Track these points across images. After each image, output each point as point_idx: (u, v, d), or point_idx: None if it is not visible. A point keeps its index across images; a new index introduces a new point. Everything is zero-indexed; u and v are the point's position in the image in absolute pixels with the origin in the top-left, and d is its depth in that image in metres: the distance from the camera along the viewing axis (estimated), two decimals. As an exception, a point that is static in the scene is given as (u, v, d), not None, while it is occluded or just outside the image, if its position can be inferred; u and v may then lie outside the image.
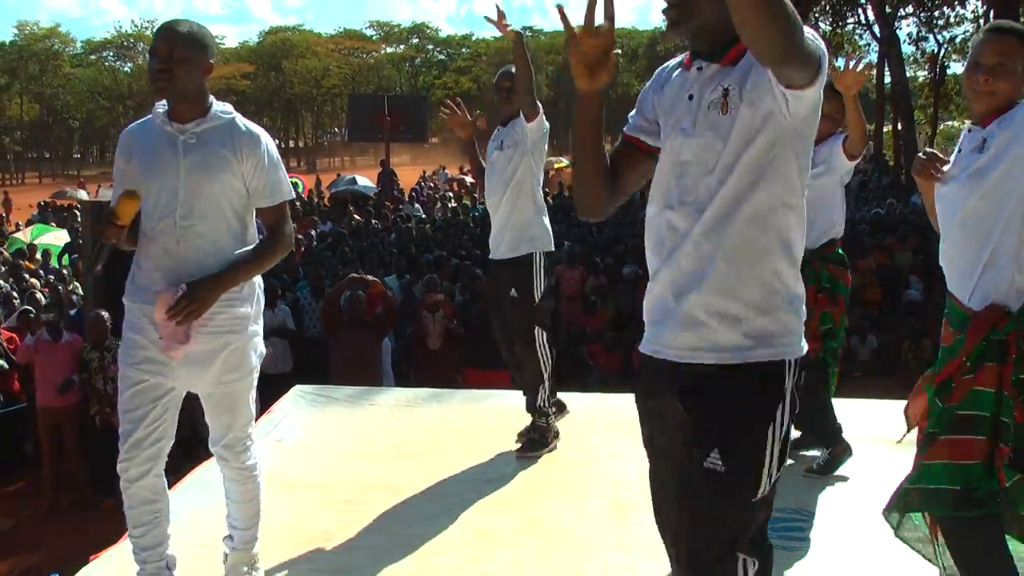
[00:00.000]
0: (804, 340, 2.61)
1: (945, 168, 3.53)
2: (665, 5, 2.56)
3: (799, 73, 2.32)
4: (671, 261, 2.60)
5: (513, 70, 5.73)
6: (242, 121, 3.80)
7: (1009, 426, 3.21)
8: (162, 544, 3.90)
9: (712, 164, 2.53)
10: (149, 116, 3.82)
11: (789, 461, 5.42)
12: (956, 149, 3.53)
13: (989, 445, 3.24)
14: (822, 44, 2.38)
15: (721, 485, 2.50)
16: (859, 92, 5.08)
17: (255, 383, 4.00)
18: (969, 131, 3.48)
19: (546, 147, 5.87)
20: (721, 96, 2.51)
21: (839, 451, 5.29)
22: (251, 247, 3.82)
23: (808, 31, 2.30)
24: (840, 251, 5.36)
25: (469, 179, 30.98)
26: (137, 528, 3.83)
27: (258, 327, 3.95)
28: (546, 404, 5.85)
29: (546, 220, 5.84)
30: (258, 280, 3.94)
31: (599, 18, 2.46)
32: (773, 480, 2.55)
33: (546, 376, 5.80)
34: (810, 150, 2.57)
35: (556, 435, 5.92)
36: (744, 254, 2.52)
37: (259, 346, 3.97)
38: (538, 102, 5.65)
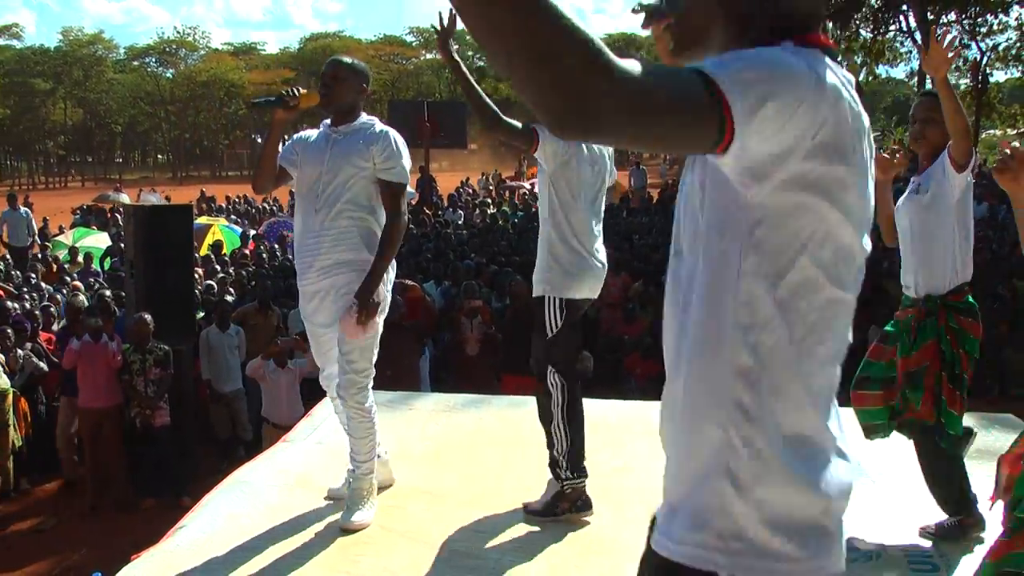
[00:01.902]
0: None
1: None
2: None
3: (656, 140, 1.48)
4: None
5: None
6: (380, 125, 5.01)
7: None
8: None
9: (681, 238, 1.80)
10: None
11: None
12: None
13: None
14: (733, 70, 1.46)
15: None
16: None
17: (377, 335, 5.00)
18: None
19: (578, 164, 4.92)
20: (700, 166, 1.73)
21: (969, 523, 4.64)
22: (379, 243, 4.89)
23: (751, 59, 1.51)
24: (971, 299, 4.68)
25: (528, 184, 30.83)
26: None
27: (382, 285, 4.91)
28: (563, 458, 4.97)
29: (574, 263, 4.94)
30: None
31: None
32: None
33: (560, 425, 4.97)
34: (788, 257, 1.60)
35: (575, 504, 5.01)
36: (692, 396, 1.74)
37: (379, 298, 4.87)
38: (532, 126, 4.91)
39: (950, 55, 4.40)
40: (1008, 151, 3.38)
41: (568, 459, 4.94)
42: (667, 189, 26.67)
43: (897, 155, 4.93)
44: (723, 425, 1.66)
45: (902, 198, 4.86)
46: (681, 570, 1.71)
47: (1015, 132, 43.69)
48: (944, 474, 4.72)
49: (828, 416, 1.73)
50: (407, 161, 4.98)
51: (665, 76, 1.43)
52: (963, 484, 4.71)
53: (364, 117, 5.03)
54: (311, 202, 4.92)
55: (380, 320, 4.97)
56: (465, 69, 4.91)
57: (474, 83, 4.84)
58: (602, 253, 5.10)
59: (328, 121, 5.05)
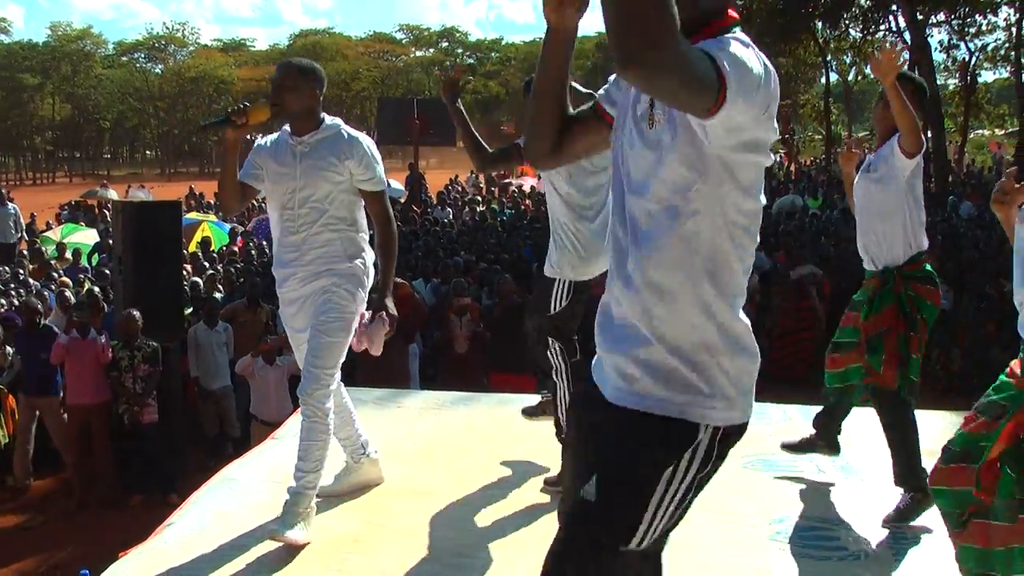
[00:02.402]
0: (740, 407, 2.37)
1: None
2: None
3: (671, 90, 2.00)
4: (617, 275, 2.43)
5: None
6: (346, 130, 4.85)
7: None
8: (352, 436, 5.27)
9: (641, 184, 2.33)
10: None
11: (808, 474, 5.44)
12: None
13: None
14: (734, 66, 2.07)
15: (593, 521, 2.34)
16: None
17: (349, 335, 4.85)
18: None
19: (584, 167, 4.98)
20: (647, 108, 2.31)
21: (920, 498, 4.76)
22: (379, 255, 4.90)
23: (729, 50, 2.08)
24: (928, 267, 5.06)
25: (531, 182, 30.82)
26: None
27: (360, 291, 4.87)
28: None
29: (580, 249, 5.08)
30: (367, 257, 4.94)
31: None
32: (652, 537, 2.37)
33: (563, 387, 5.26)
34: (751, 181, 2.29)
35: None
36: (669, 284, 2.32)
37: (357, 303, 4.85)
38: (515, 143, 5.13)
39: (898, 63, 4.76)
40: (999, 187, 3.72)
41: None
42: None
43: (855, 148, 5.58)
44: (700, 311, 2.31)
45: (858, 176, 5.25)
46: (651, 418, 2.32)
47: (1003, 132, 43.88)
48: (902, 439, 4.94)
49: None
50: (381, 164, 4.90)
51: (694, 52, 2.01)
52: (918, 457, 4.90)
53: (327, 120, 4.90)
54: (290, 220, 4.85)
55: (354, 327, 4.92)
56: (466, 116, 5.21)
57: (473, 130, 5.15)
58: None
59: (288, 128, 4.95)
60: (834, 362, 5.26)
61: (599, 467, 2.34)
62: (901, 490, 4.92)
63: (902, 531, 4.76)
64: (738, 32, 2.26)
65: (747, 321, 2.41)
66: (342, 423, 5.14)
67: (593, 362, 2.56)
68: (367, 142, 4.83)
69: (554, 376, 5.32)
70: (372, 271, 4.95)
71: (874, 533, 4.73)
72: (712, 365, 2.33)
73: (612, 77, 2.58)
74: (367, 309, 4.88)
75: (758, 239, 2.41)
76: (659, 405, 2.32)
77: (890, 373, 4.90)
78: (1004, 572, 3.17)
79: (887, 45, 4.89)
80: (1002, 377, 3.43)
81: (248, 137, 4.99)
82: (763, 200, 2.35)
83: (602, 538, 2.34)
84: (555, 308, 5.17)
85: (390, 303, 4.79)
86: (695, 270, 2.30)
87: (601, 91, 2.65)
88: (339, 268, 4.82)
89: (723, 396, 2.34)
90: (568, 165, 4.88)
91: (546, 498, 5.22)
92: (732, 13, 2.31)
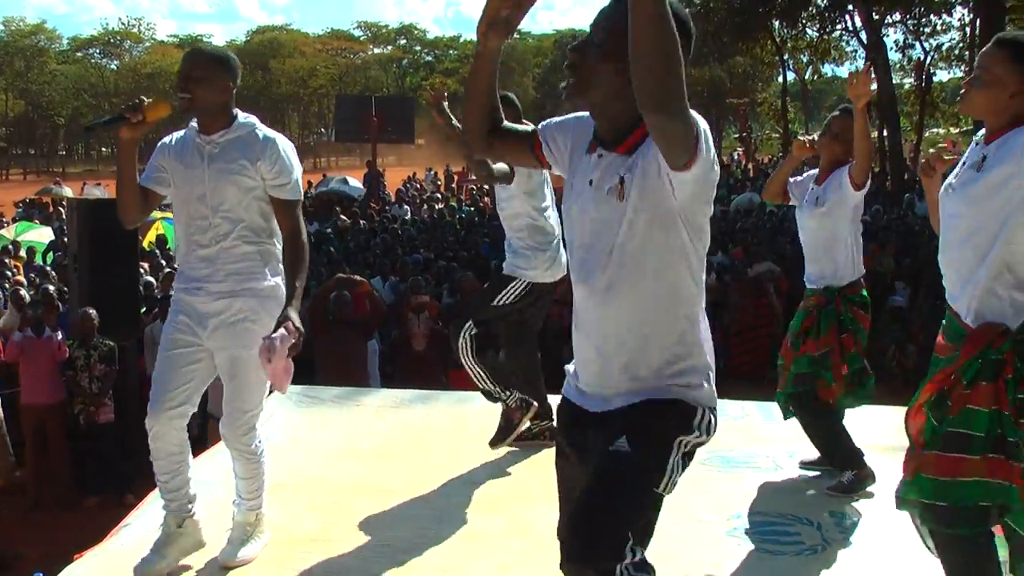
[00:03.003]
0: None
1: (950, 173, 3.55)
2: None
3: (674, 136, 2.45)
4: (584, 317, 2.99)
5: None
6: (261, 129, 4.32)
7: (1019, 445, 3.18)
8: (184, 487, 4.45)
9: (608, 246, 2.74)
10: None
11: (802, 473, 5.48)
12: (961, 161, 3.53)
13: (983, 465, 3.21)
14: (705, 125, 2.55)
15: (627, 464, 2.70)
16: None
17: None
18: (975, 144, 3.45)
19: (532, 173, 5.35)
20: (618, 184, 2.69)
21: (863, 475, 5.17)
22: (287, 268, 4.24)
23: (693, 114, 2.45)
24: (864, 293, 5.36)
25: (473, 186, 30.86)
26: (163, 475, 4.39)
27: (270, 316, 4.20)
28: (490, 385, 5.63)
29: (542, 251, 5.53)
30: (279, 279, 4.33)
31: None
32: (673, 485, 2.75)
33: (474, 366, 5.57)
34: (702, 234, 2.76)
35: (522, 409, 5.67)
36: (649, 312, 2.78)
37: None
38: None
39: (872, 88, 5.00)
40: (924, 159, 3.98)
41: (494, 383, 5.62)
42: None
43: (811, 140, 5.60)
44: (680, 328, 2.79)
45: (803, 207, 5.46)
46: (650, 403, 2.76)
47: (957, 131, 44.37)
48: (833, 435, 5.29)
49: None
50: (299, 169, 4.35)
51: (692, 115, 2.46)
52: (849, 441, 5.26)
53: (241, 118, 4.33)
54: (199, 232, 4.24)
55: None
56: (451, 117, 5.60)
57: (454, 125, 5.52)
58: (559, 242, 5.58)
59: (195, 125, 4.37)
60: (781, 383, 5.50)
61: (627, 430, 2.73)
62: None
63: (857, 524, 4.81)
64: None
65: (706, 321, 2.90)
66: (176, 470, 4.43)
67: (571, 388, 3.03)
68: (284, 144, 4.30)
69: (459, 354, 5.55)
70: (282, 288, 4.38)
71: (831, 527, 4.77)
72: (695, 366, 2.83)
73: (555, 121, 3.00)
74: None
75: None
76: (665, 393, 2.79)
77: (839, 387, 5.22)
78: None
79: (860, 69, 5.03)
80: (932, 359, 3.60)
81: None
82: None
83: (638, 476, 2.70)
84: (499, 302, 5.48)
85: (295, 315, 4.02)
86: (664, 301, 2.77)
87: (541, 127, 3.03)
88: (260, 288, 4.29)
89: (708, 385, 2.85)
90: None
91: (506, 496, 5.23)
92: None
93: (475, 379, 5.64)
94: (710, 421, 2.83)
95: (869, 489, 5.15)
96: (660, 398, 2.78)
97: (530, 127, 3.12)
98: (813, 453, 5.49)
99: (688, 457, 2.82)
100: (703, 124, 2.53)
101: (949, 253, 3.46)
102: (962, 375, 3.28)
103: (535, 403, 5.70)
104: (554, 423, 5.44)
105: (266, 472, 4.60)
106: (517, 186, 5.37)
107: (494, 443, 5.68)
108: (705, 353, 2.85)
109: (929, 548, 3.47)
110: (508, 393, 5.63)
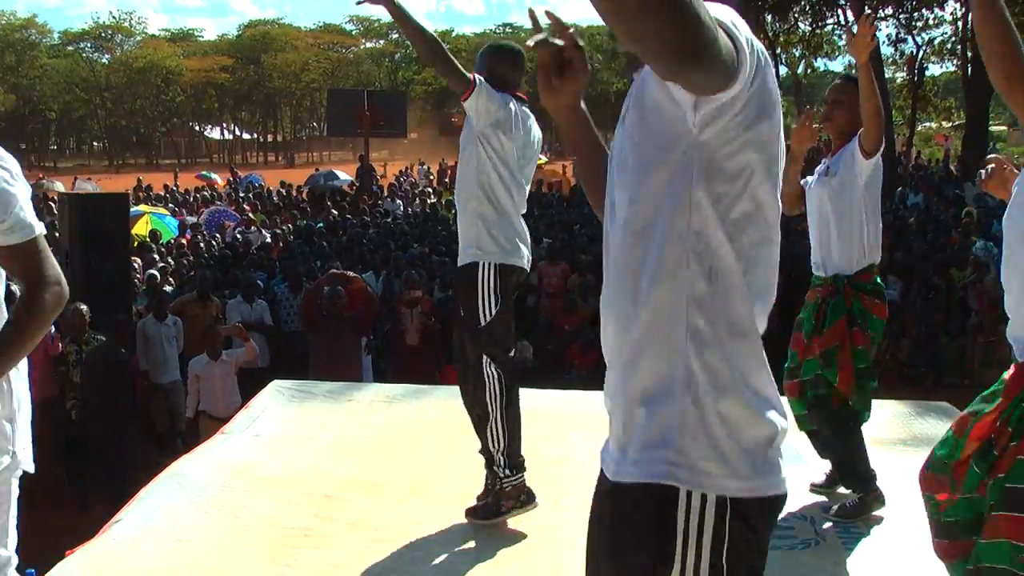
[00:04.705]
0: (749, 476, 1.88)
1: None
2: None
3: (709, 81, 1.70)
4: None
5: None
6: None
7: None
8: None
9: (608, 227, 2.03)
10: None
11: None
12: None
13: None
14: (740, 38, 1.75)
15: None
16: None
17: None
18: None
19: (513, 131, 4.69)
20: (632, 105, 1.97)
21: (870, 498, 4.86)
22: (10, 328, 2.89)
23: (727, 17, 1.76)
24: (878, 280, 4.96)
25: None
26: None
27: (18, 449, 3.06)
28: (501, 456, 4.78)
29: (505, 228, 4.74)
30: (16, 385, 2.97)
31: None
32: None
33: (497, 420, 4.75)
34: (737, 183, 1.84)
35: (519, 500, 4.82)
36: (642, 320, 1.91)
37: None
38: (469, 73, 4.59)
39: (872, 39, 4.62)
40: (983, 172, 3.54)
41: (507, 456, 4.77)
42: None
43: (808, 123, 5.20)
44: (681, 350, 1.85)
45: (813, 180, 5.07)
46: (642, 489, 1.89)
47: (950, 125, 44.41)
48: (852, 447, 4.91)
49: (761, 352, 1.91)
50: (24, 198, 2.97)
51: (723, 37, 1.65)
52: (866, 459, 4.90)
53: None
54: None
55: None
56: (402, 7, 4.58)
57: (409, 14, 4.57)
58: (525, 228, 4.91)
59: None
60: (791, 389, 5.05)
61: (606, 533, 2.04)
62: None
63: (852, 520, 4.80)
64: None
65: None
66: None
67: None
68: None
69: (487, 400, 4.75)
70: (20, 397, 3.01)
71: (824, 522, 4.77)
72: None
73: None
74: None
75: None
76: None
77: (846, 384, 4.81)
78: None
79: (863, 20, 4.75)
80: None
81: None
82: None
83: None
84: (486, 316, 4.71)
85: None
86: (654, 325, 1.94)
87: None
88: None
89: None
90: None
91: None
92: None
93: (488, 436, 4.78)
94: (724, 519, 1.86)
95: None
96: (639, 484, 1.91)
97: None
98: (815, 459, 5.30)
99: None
100: (741, 31, 1.77)
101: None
102: (1007, 424, 2.95)
103: (536, 501, 4.85)
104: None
105: None
106: (477, 116, 4.65)
107: (470, 515, 4.88)
108: (713, 405, 1.86)
109: None
110: (511, 472, 4.78)
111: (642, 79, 1.92)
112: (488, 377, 4.73)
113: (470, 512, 4.88)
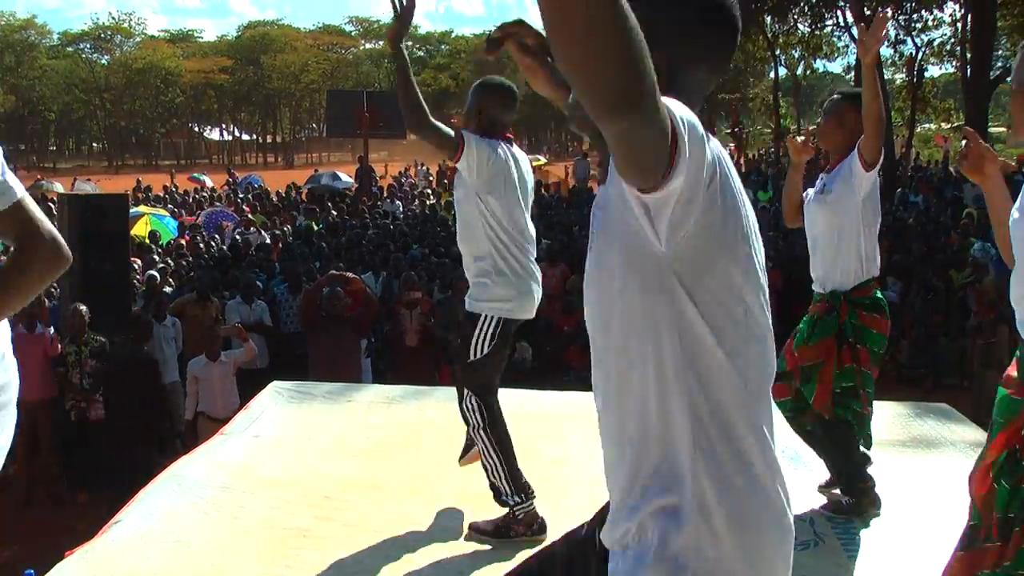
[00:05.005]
0: None
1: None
2: None
3: (637, 145, 1.50)
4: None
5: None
6: None
7: None
8: None
9: (591, 317, 1.94)
10: None
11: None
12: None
13: None
14: (682, 113, 1.57)
15: None
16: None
17: None
18: None
19: (504, 186, 4.65)
20: (592, 223, 1.91)
21: (866, 502, 4.83)
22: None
23: (678, 111, 1.55)
24: (878, 294, 4.86)
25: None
26: None
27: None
28: (504, 483, 4.67)
29: (508, 284, 4.69)
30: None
31: None
32: None
33: (486, 446, 4.70)
34: (727, 288, 1.75)
35: (530, 528, 4.70)
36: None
37: None
38: (453, 130, 4.60)
39: (883, 35, 4.47)
40: (963, 149, 3.36)
41: (508, 482, 4.67)
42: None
43: (810, 141, 5.15)
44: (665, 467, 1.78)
45: (810, 198, 4.99)
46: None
47: (949, 126, 44.40)
48: (838, 451, 4.89)
49: (771, 452, 1.89)
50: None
51: (670, 114, 1.53)
52: (860, 469, 4.86)
53: None
54: None
55: None
56: (408, 62, 4.65)
57: (413, 80, 4.61)
58: (537, 270, 4.89)
59: None
60: (779, 391, 4.88)
61: None
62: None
63: (852, 521, 4.80)
64: None
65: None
66: None
67: None
68: None
69: (471, 432, 4.79)
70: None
71: (823, 523, 4.77)
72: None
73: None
74: None
75: None
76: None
77: (822, 403, 4.77)
78: None
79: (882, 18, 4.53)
80: (1000, 391, 3.03)
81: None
82: None
83: None
84: (476, 354, 4.68)
85: None
86: (632, 423, 1.88)
87: None
88: None
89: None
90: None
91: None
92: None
93: (486, 466, 4.73)
94: None
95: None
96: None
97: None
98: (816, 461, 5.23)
99: None
100: (677, 107, 1.57)
101: None
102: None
103: (545, 527, 4.70)
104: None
105: None
106: (470, 174, 4.62)
107: (475, 528, 4.80)
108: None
109: None
110: (520, 498, 4.68)
111: (603, 204, 1.85)
112: (468, 409, 4.72)
113: (474, 526, 4.80)
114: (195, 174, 48.60)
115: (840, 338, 4.76)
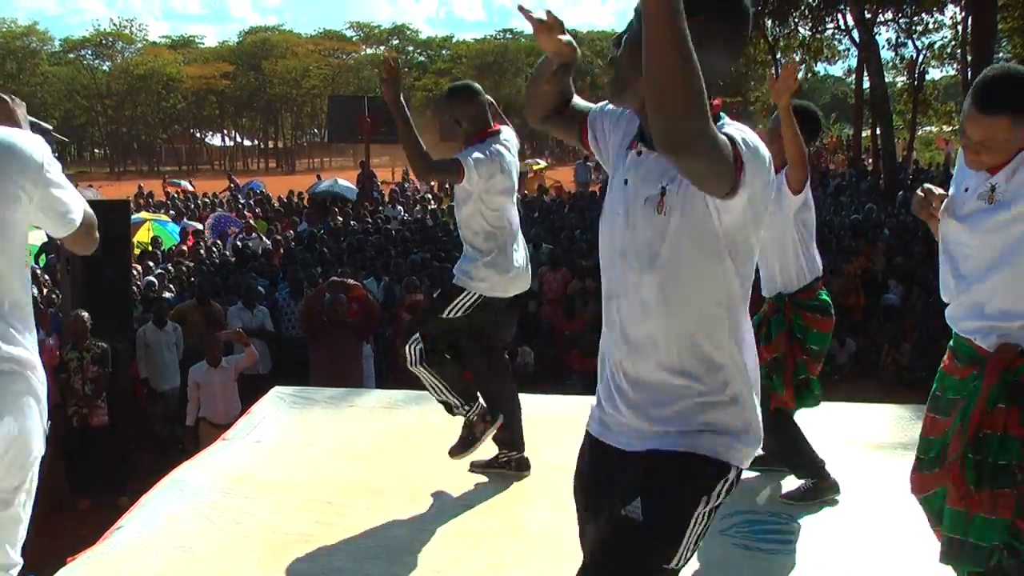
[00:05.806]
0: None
1: (945, 203, 3.44)
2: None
3: (703, 175, 2.10)
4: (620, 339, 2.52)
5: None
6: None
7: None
8: None
9: (640, 261, 2.41)
10: None
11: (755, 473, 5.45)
12: (956, 182, 3.41)
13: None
14: (746, 136, 2.18)
15: (638, 537, 2.39)
16: (805, 104, 4.98)
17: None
18: (976, 172, 3.29)
19: (503, 178, 5.04)
20: (659, 195, 2.35)
21: (824, 485, 5.03)
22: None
23: (739, 133, 2.15)
24: (823, 295, 5.08)
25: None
26: None
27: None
28: (451, 396, 5.27)
29: (498, 264, 5.10)
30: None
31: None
32: (686, 559, 2.42)
33: (428, 376, 5.21)
34: (748, 256, 2.40)
35: (484, 419, 5.33)
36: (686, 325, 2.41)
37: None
38: (451, 160, 4.94)
39: (794, 83, 4.70)
40: (920, 193, 3.63)
41: (454, 395, 5.26)
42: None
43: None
44: (718, 362, 2.42)
45: None
46: (676, 457, 2.40)
47: (950, 129, 44.41)
48: (791, 448, 5.09)
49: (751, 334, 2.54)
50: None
51: (727, 145, 2.10)
52: (811, 452, 5.08)
53: None
54: None
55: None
56: (408, 117, 4.94)
57: (414, 128, 4.91)
58: (525, 248, 5.32)
59: None
60: None
61: (644, 491, 2.41)
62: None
63: (849, 521, 4.80)
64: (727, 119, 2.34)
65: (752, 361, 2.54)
66: None
67: (597, 416, 2.68)
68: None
69: (409, 367, 5.23)
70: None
71: (824, 525, 4.77)
72: (733, 412, 2.47)
73: (607, 107, 2.72)
74: None
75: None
76: (696, 444, 2.43)
77: (788, 394, 5.01)
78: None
79: (786, 61, 4.78)
80: (939, 371, 3.43)
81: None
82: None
83: (649, 554, 2.40)
84: (448, 314, 5.11)
85: None
86: (699, 334, 2.41)
87: (591, 112, 2.79)
88: (17, 355, 2.97)
89: (741, 443, 2.47)
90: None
91: (498, 497, 5.22)
92: (716, 103, 2.30)
93: (430, 389, 5.30)
94: (733, 484, 2.45)
95: (861, 486, 5.12)
96: (689, 452, 2.40)
97: (589, 108, 2.84)
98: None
99: (707, 519, 2.44)
100: (742, 137, 2.15)
101: (961, 282, 3.31)
102: (986, 404, 3.14)
103: (501, 415, 5.35)
104: (523, 455, 5.49)
105: None
106: (473, 186, 4.96)
107: (454, 452, 5.36)
108: (745, 398, 2.46)
109: None
110: (469, 406, 5.30)
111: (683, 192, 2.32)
112: (410, 354, 5.15)
113: (452, 451, 5.36)
114: (174, 179, 48.53)
115: (790, 336, 5.02)
